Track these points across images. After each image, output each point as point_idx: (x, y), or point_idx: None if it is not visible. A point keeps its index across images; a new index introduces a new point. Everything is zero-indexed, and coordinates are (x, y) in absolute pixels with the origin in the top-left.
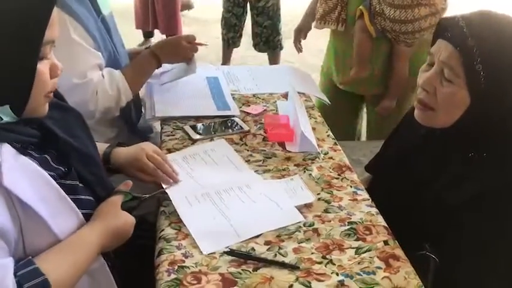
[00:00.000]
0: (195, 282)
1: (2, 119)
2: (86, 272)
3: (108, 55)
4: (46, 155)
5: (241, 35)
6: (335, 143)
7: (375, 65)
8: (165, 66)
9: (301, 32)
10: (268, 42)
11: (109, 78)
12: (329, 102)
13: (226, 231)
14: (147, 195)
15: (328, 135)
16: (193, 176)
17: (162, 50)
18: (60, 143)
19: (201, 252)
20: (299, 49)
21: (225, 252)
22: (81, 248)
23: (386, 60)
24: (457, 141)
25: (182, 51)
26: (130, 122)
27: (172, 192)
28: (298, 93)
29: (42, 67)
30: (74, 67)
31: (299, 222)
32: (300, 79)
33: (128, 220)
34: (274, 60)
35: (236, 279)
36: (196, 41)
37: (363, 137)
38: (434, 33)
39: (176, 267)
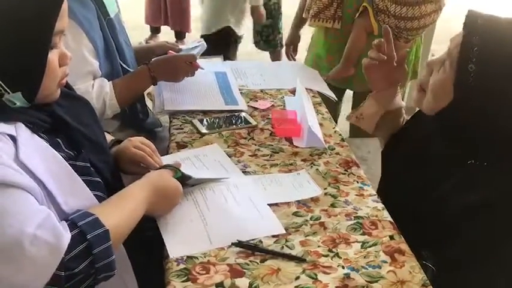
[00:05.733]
0: (203, 272)
1: (15, 104)
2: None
3: (110, 61)
4: (57, 139)
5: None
6: (342, 139)
7: None
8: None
9: (290, 46)
10: (268, 41)
11: (97, 91)
12: (336, 99)
13: (199, 236)
14: (196, 177)
15: (335, 131)
16: None
17: (160, 69)
18: (71, 130)
19: (210, 243)
20: (292, 59)
21: (233, 244)
22: (130, 200)
23: None
24: (454, 148)
25: (181, 72)
26: (136, 116)
27: None
28: (306, 89)
29: (52, 56)
30: None
31: (305, 216)
32: (308, 75)
33: (177, 186)
34: (275, 58)
35: (244, 270)
36: (196, 63)
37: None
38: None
39: (185, 258)
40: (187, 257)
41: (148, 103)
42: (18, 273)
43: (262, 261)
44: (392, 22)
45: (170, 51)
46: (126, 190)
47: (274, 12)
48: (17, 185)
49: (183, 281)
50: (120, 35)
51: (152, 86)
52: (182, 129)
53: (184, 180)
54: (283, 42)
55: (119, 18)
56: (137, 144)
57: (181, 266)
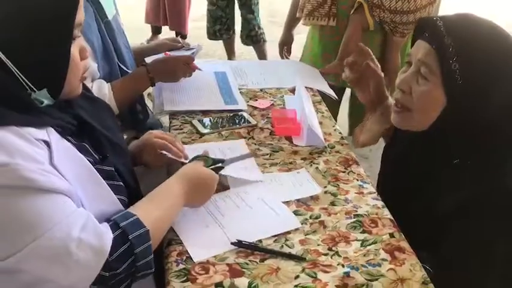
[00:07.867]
0: (203, 272)
1: (42, 103)
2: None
3: (108, 63)
4: (83, 143)
5: (229, 28)
6: (342, 137)
7: None
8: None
9: (284, 46)
10: (250, 36)
11: (96, 92)
12: (336, 97)
13: (219, 238)
14: (229, 158)
15: (335, 130)
16: None
17: (158, 70)
18: (96, 134)
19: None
20: (286, 57)
21: (232, 243)
22: (168, 196)
23: (379, 52)
24: (440, 147)
25: (179, 73)
26: (136, 117)
27: None
28: (306, 88)
29: (74, 49)
30: None
31: (305, 215)
32: (308, 74)
33: (212, 174)
34: (260, 54)
35: (243, 270)
36: (193, 63)
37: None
38: (413, 34)
39: (185, 258)
40: (187, 257)
41: (149, 104)
42: (66, 276)
43: (262, 260)
44: (388, 16)
45: (167, 52)
46: (164, 186)
47: (253, 7)
48: (59, 191)
49: (182, 281)
50: (119, 37)
51: (151, 86)
52: (182, 129)
53: (217, 164)
54: (266, 38)
55: (117, 20)
56: (158, 134)
57: (181, 266)
